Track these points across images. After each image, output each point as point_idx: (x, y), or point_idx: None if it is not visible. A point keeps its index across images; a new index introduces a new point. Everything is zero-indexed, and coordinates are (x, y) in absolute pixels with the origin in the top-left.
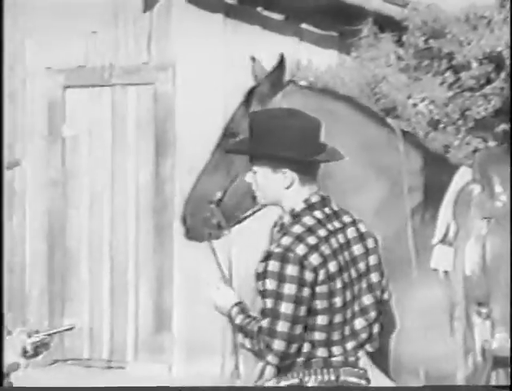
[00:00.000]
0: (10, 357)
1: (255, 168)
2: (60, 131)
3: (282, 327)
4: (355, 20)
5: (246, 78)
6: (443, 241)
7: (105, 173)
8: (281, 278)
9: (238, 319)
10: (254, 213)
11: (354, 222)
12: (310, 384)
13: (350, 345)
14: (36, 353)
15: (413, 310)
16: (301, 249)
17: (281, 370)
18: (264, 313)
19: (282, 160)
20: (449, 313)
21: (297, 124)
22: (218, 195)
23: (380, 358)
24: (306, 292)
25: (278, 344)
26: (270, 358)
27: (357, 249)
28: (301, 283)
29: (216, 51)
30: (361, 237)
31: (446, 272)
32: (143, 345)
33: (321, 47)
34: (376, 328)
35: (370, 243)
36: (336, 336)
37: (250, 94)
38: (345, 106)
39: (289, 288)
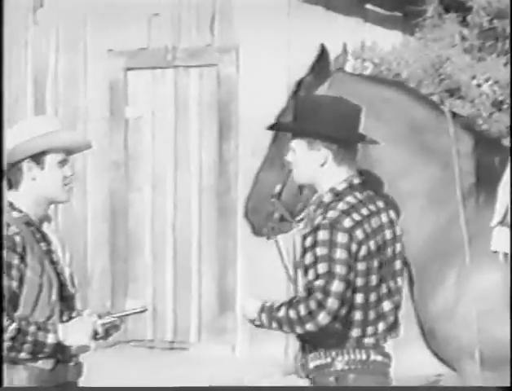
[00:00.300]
0: (80, 338)
1: (294, 145)
2: (123, 113)
3: (337, 286)
4: (420, 1)
5: (309, 59)
6: (502, 223)
7: (168, 155)
8: (332, 244)
9: (277, 303)
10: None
11: (386, 208)
12: (340, 365)
13: (380, 327)
14: (106, 335)
15: (470, 295)
16: (347, 222)
17: (312, 349)
18: (318, 277)
19: (317, 136)
20: (508, 296)
21: (337, 107)
22: (278, 188)
23: (434, 343)
24: (352, 262)
25: (332, 303)
26: (321, 316)
27: (388, 234)
28: (349, 251)
29: (279, 33)
30: (391, 223)
31: (505, 254)
32: (206, 327)
33: (385, 28)
34: (400, 313)
35: (398, 230)
36: (370, 316)
37: (298, 85)
38: (394, 91)
39: (340, 253)
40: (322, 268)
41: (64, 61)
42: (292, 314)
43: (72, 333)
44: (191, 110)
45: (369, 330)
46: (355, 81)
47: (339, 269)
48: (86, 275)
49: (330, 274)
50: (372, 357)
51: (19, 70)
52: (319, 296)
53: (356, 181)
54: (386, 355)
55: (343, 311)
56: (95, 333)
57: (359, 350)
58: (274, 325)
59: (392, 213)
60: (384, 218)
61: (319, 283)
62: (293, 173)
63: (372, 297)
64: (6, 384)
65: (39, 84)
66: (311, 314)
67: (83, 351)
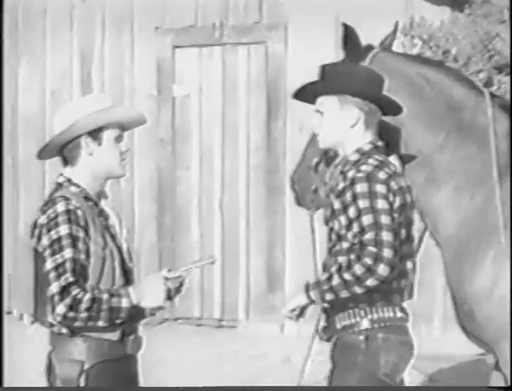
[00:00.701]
0: (154, 298)
1: (321, 107)
2: (170, 91)
3: (387, 236)
4: None
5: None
6: None
7: (216, 133)
8: (372, 195)
9: (323, 277)
10: None
11: (401, 174)
12: (369, 323)
13: (403, 283)
14: (176, 292)
15: (508, 275)
16: (382, 174)
17: (341, 310)
18: (364, 230)
19: (354, 93)
20: None
21: (365, 69)
22: (315, 160)
23: (472, 325)
24: (393, 211)
25: (388, 252)
26: (381, 268)
27: (408, 197)
28: (389, 201)
29: (328, 8)
30: (409, 189)
31: None
32: (254, 305)
33: (434, 4)
34: (416, 276)
35: (414, 196)
36: (396, 272)
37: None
38: (434, 71)
39: (382, 203)
40: (367, 220)
41: (110, 39)
42: (347, 276)
43: (146, 294)
44: (239, 88)
45: (394, 285)
46: (396, 60)
47: (384, 219)
48: (133, 252)
49: (378, 225)
50: (398, 314)
51: (64, 48)
52: (373, 249)
53: (380, 143)
54: (406, 313)
55: (397, 259)
56: (169, 291)
57: (386, 308)
58: (328, 296)
59: (407, 180)
60: (402, 182)
61: (368, 236)
62: (319, 136)
63: (400, 253)
64: (65, 356)
65: (85, 62)
66: (370, 270)
67: (158, 311)
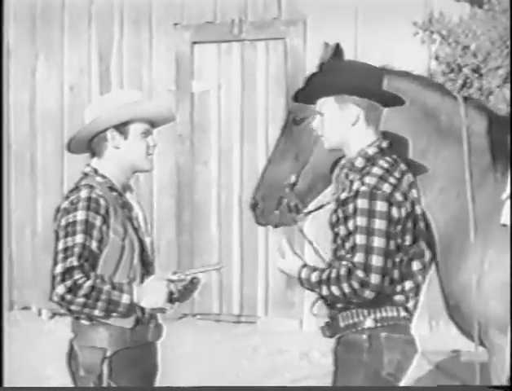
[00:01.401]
0: (154, 300)
1: (321, 108)
2: (189, 87)
3: (377, 261)
4: None
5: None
6: None
7: (234, 129)
8: (371, 214)
9: (314, 277)
10: (323, 206)
11: (408, 170)
12: (372, 323)
13: (407, 285)
14: (182, 297)
15: (494, 268)
16: (387, 187)
17: (344, 309)
18: (354, 249)
19: (350, 91)
20: None
21: (361, 66)
22: (293, 178)
23: (459, 317)
24: (393, 227)
25: (374, 279)
26: (367, 293)
27: (415, 193)
28: (389, 219)
29: (346, 4)
30: (415, 184)
31: None
32: (273, 301)
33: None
34: (428, 274)
35: (418, 192)
36: (400, 275)
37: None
38: (403, 80)
39: (379, 224)
40: (360, 240)
41: (129, 35)
42: (335, 291)
43: (148, 295)
44: (257, 83)
45: (398, 288)
46: None
47: (377, 241)
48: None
49: (368, 248)
50: (402, 313)
51: (82, 44)
52: (360, 274)
53: (384, 144)
54: (410, 312)
55: (386, 282)
56: (171, 293)
57: (390, 307)
58: (316, 293)
59: (411, 176)
60: (410, 178)
61: (358, 258)
62: (323, 137)
63: (406, 257)
64: (87, 343)
65: (104, 58)
66: (356, 293)
67: (159, 312)
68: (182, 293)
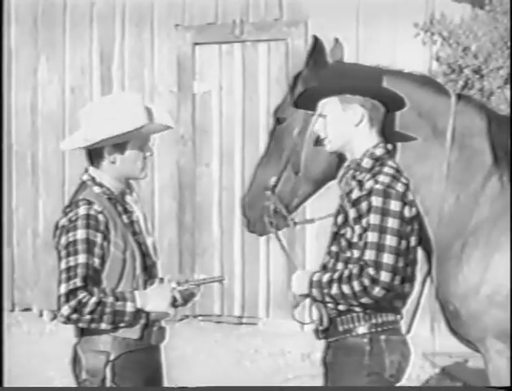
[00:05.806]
0: (159, 304)
1: (323, 110)
2: (190, 88)
3: (388, 258)
4: None
5: (380, 30)
6: None
7: (236, 130)
8: (385, 212)
9: (325, 277)
10: (328, 216)
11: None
12: (371, 327)
13: (408, 288)
14: (185, 303)
15: (494, 273)
16: (400, 187)
17: (344, 313)
18: (366, 246)
19: (354, 91)
20: None
21: (362, 66)
22: (273, 180)
23: (457, 323)
24: (405, 227)
25: (385, 276)
26: (377, 290)
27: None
28: (402, 218)
29: (348, 5)
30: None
31: None
32: (275, 302)
33: (454, 1)
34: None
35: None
36: (402, 278)
37: (295, 80)
38: (396, 80)
39: (392, 222)
40: (372, 237)
41: (130, 36)
42: (346, 289)
43: (152, 299)
44: (259, 85)
45: (398, 290)
46: None
47: (390, 240)
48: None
49: (380, 246)
50: (398, 316)
51: (84, 45)
52: (371, 271)
53: (390, 146)
54: (402, 315)
55: (396, 281)
56: (174, 300)
57: (390, 313)
58: (327, 299)
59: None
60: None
61: (370, 255)
62: (326, 140)
63: (409, 259)
64: (91, 347)
65: (105, 59)
66: (366, 290)
67: (163, 317)
68: (184, 299)
